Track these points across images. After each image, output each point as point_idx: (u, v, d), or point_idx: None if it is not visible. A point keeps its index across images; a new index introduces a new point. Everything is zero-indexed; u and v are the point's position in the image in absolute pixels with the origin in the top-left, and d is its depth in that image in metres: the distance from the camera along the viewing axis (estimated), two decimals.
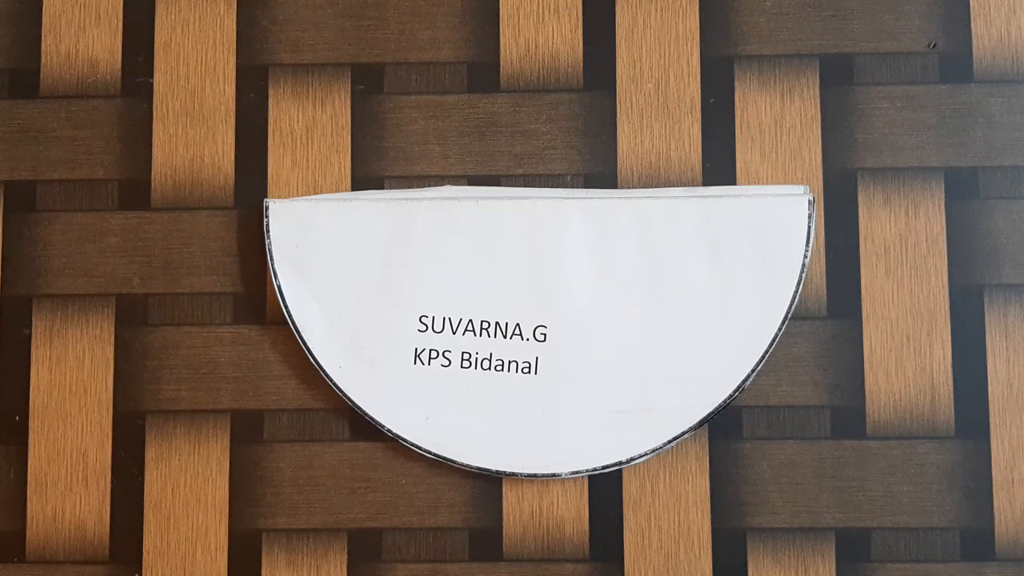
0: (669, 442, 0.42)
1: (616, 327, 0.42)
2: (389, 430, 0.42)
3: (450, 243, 0.42)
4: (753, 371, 0.42)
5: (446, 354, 0.42)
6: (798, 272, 0.42)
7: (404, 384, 0.42)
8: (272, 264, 0.43)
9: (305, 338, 0.42)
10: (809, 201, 0.42)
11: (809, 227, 0.42)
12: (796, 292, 0.42)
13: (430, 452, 0.42)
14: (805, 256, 0.42)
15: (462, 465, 0.42)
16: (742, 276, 0.42)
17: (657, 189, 0.43)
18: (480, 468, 0.42)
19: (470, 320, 0.42)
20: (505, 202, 0.43)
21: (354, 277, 0.42)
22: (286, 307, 0.42)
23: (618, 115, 0.44)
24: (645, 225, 0.42)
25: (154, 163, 0.44)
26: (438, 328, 0.42)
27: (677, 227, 0.42)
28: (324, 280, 0.43)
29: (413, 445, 0.42)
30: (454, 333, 0.42)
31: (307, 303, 0.42)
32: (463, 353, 0.42)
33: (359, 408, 0.42)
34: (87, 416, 0.43)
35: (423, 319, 0.42)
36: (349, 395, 0.42)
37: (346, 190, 0.44)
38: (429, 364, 0.42)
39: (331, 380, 0.42)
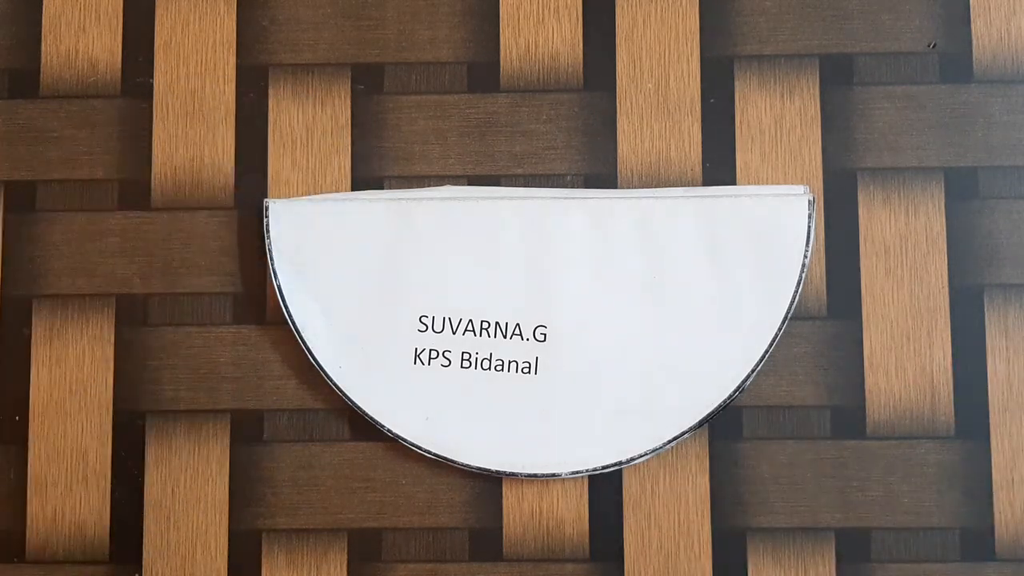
0: (669, 442, 0.42)
1: (616, 327, 0.42)
2: (389, 430, 0.42)
3: (450, 243, 0.42)
4: (753, 371, 0.42)
5: (446, 354, 0.42)
6: (798, 272, 0.42)
7: (404, 384, 0.42)
8: (272, 264, 0.43)
9: (305, 338, 0.42)
10: (809, 201, 0.42)
11: (809, 227, 0.42)
12: (796, 292, 0.42)
13: (430, 452, 0.42)
14: (805, 256, 0.42)
15: (462, 465, 0.42)
16: (742, 276, 0.42)
17: (657, 189, 0.43)
18: (480, 468, 0.42)
19: (470, 320, 0.42)
20: (505, 202, 0.43)
21: (354, 277, 0.42)
22: (286, 307, 0.42)
23: (618, 115, 0.44)
24: (645, 225, 0.42)
25: (154, 163, 0.44)
26: (438, 328, 0.42)
27: (677, 227, 0.42)
28: (324, 280, 0.43)
29: (413, 445, 0.42)
30: (454, 333, 0.42)
31: (307, 303, 0.42)
32: (463, 353, 0.42)
33: (359, 408, 0.42)
34: (87, 416, 0.43)
35: (423, 319, 0.42)
36: (349, 395, 0.42)
37: (346, 190, 0.44)
38: (429, 364, 0.42)
39: (331, 380, 0.42)
